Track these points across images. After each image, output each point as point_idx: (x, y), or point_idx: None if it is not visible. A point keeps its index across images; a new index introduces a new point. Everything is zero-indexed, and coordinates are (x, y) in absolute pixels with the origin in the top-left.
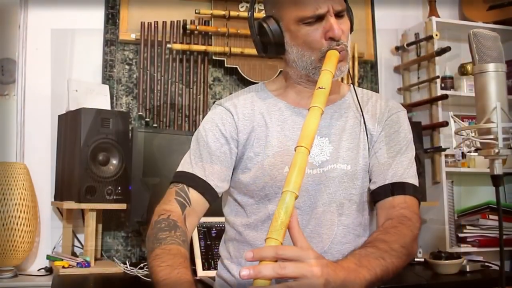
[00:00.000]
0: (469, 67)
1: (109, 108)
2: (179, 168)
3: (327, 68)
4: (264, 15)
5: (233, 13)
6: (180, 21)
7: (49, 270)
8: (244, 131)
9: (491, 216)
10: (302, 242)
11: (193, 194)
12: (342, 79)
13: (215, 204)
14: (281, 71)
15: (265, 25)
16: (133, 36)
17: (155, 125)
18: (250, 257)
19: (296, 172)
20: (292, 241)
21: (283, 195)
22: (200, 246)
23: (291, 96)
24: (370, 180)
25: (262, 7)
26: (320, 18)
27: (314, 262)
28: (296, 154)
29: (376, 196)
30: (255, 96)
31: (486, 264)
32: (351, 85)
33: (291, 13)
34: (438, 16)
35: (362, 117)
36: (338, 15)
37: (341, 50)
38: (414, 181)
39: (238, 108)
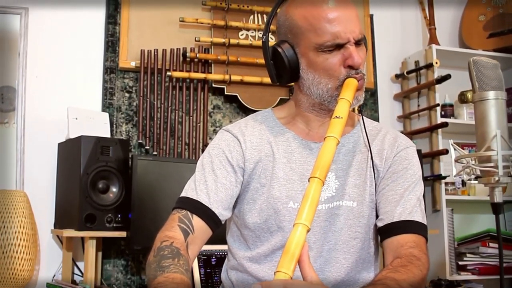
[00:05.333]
0: (469, 95)
1: (109, 136)
2: (183, 194)
3: (345, 97)
4: (277, 41)
5: (233, 41)
6: (180, 48)
7: None
8: (251, 160)
9: (491, 244)
10: (312, 277)
11: (197, 221)
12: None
13: (216, 231)
14: (281, 98)
15: (280, 50)
16: (133, 64)
17: (155, 153)
18: None
19: (309, 204)
20: (302, 275)
21: (294, 227)
22: (200, 274)
23: (299, 126)
24: (377, 217)
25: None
26: (339, 45)
27: None
28: (309, 185)
29: (383, 234)
30: (263, 123)
31: None
32: (361, 116)
33: (309, 39)
34: (438, 44)
35: (370, 152)
36: (357, 43)
37: (360, 78)
38: (422, 219)
39: (246, 136)
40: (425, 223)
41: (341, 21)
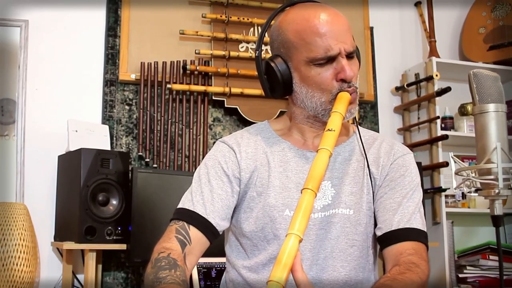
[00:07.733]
0: (469, 107)
1: (109, 148)
2: (180, 205)
3: (337, 110)
4: (270, 55)
5: (233, 54)
6: (180, 61)
7: None
8: (246, 170)
9: (491, 257)
10: (306, 285)
11: (194, 232)
12: None
13: (215, 244)
14: (281, 111)
15: (273, 64)
16: (133, 77)
17: (155, 165)
18: None
19: (301, 214)
20: (295, 283)
21: (287, 238)
22: (200, 286)
23: (295, 137)
24: (375, 225)
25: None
26: (331, 59)
27: None
28: (302, 196)
29: (382, 242)
30: (259, 135)
31: None
32: (356, 126)
33: (301, 53)
34: (438, 57)
35: (366, 160)
36: (349, 56)
37: (352, 92)
38: (422, 226)
39: (241, 146)
40: (425, 230)
41: (332, 34)
